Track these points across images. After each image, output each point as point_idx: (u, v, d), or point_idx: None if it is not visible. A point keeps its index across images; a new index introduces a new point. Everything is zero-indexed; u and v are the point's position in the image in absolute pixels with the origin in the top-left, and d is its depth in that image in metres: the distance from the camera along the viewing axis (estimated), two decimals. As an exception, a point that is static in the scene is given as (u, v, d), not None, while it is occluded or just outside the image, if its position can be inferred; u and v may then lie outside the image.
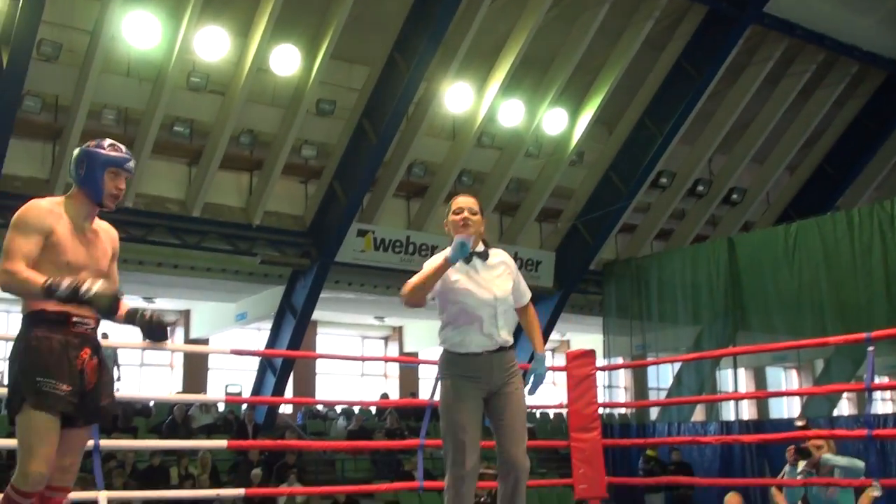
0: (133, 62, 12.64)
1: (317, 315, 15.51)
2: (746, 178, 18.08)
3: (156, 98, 12.33)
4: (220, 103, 13.03)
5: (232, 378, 16.08)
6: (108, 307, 3.05)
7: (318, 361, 18.00)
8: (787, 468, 5.82)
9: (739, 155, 17.41)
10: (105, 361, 3.22)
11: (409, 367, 18.99)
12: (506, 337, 3.81)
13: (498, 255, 3.94)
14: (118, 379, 13.74)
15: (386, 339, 19.79)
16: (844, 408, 18.27)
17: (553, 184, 15.87)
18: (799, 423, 6.54)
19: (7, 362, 3.13)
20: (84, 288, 2.99)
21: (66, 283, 2.98)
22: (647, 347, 15.80)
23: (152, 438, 12.28)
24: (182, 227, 13.33)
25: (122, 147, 3.34)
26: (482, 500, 6.33)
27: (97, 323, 3.22)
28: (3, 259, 3.02)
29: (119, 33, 11.77)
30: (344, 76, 14.22)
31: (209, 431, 13.17)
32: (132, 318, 3.32)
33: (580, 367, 6.61)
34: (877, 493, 5.28)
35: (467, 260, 3.81)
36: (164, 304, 16.48)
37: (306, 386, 17.46)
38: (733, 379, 15.18)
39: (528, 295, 3.99)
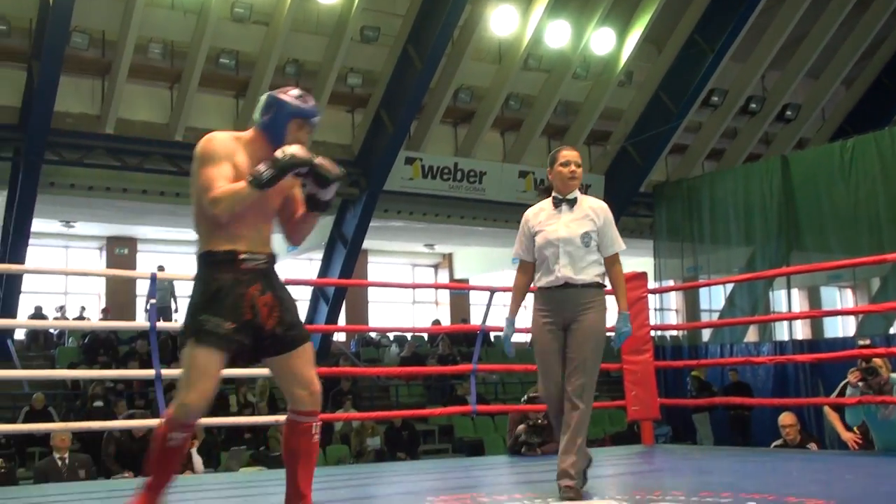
0: (176, -6, 12.63)
1: (367, 244, 15.62)
2: (801, 93, 17.63)
3: (201, 30, 12.32)
4: (265, 34, 12.98)
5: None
6: (307, 161, 3.03)
7: (370, 290, 18.18)
8: (849, 389, 5.76)
9: (793, 70, 16.94)
10: (283, 294, 3.20)
11: (459, 293, 19.10)
12: (568, 274, 3.99)
13: (587, 203, 4.13)
14: (175, 311, 14.07)
15: (436, 266, 19.90)
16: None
17: (601, 106, 15.63)
18: (862, 343, 6.47)
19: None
20: (280, 157, 2.99)
21: (262, 167, 2.99)
22: (698, 270, 15.67)
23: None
24: (231, 160, 13.39)
25: (311, 98, 3.27)
26: (539, 421, 6.40)
27: (270, 258, 3.20)
28: (205, 191, 3.03)
29: (161, -35, 11.73)
30: (387, 1, 14.05)
31: (265, 360, 13.43)
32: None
33: (632, 289, 6.57)
34: (934, 410, 5.22)
35: (557, 205, 4.09)
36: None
37: (359, 314, 17.68)
38: (787, 299, 15.01)
39: (616, 247, 4.09)
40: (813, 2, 15.70)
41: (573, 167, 4.14)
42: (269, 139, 3.16)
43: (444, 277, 19.65)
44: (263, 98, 3.22)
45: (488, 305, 6.36)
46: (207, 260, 3.14)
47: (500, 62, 14.91)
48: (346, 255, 14.36)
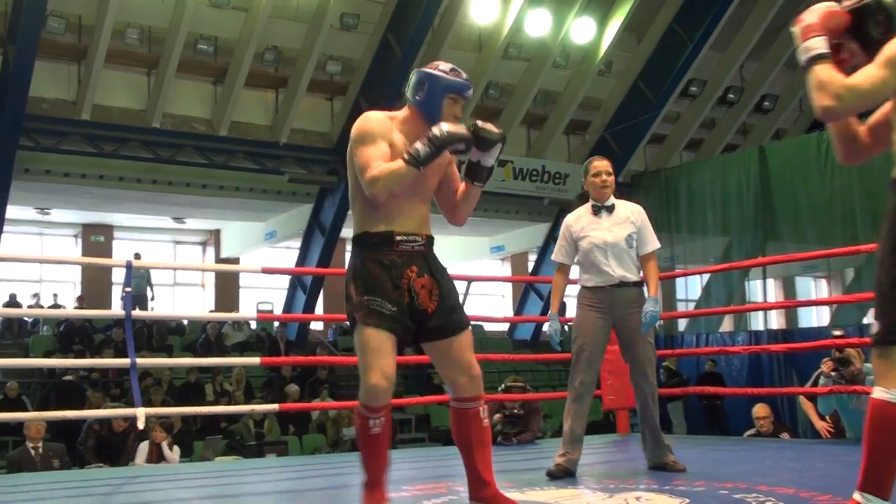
0: (154, -21, 12.52)
1: (346, 232, 15.57)
2: (779, 84, 17.73)
3: (179, 15, 12.22)
4: (244, 20, 12.90)
5: (263, 296, 16.29)
6: (465, 137, 2.95)
7: (349, 278, 18.14)
8: (822, 378, 5.82)
9: (772, 61, 17.03)
10: (442, 278, 3.12)
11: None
12: (622, 273, 4.37)
13: (625, 208, 4.50)
14: (152, 299, 14.00)
15: (415, 254, 19.87)
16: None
17: (581, 95, 15.65)
18: (836, 333, 6.52)
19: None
20: (437, 134, 2.91)
21: (418, 145, 2.92)
22: (675, 259, 15.72)
23: (187, 356, 12.54)
24: (209, 147, 13.34)
25: (462, 72, 3.19)
26: (515, 411, 6.42)
27: (428, 240, 3.12)
28: (362, 171, 2.95)
29: (138, -50, 11.62)
30: (367, -12, 14.00)
31: (242, 349, 13.41)
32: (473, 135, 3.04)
33: None
34: (905, 400, 5.27)
35: (596, 212, 4.44)
36: (194, 224, 16.61)
37: (337, 302, 17.62)
38: (762, 289, 15.12)
39: (653, 245, 4.47)
40: (791, -7, 15.79)
41: (604, 176, 4.43)
42: (425, 116, 3.10)
43: (422, 266, 19.62)
44: (414, 75, 3.17)
45: (465, 295, 6.37)
46: (363, 242, 3.08)
47: (480, 50, 14.88)
48: (325, 243, 14.33)
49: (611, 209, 4.44)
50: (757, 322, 15.02)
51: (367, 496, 3.03)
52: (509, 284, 19.35)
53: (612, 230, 4.39)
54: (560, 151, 16.74)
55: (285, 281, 15.46)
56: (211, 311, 15.64)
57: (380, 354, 2.95)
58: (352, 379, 13.87)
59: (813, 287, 22.33)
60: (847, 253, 6.83)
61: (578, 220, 4.47)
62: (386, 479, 3.07)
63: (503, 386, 6.73)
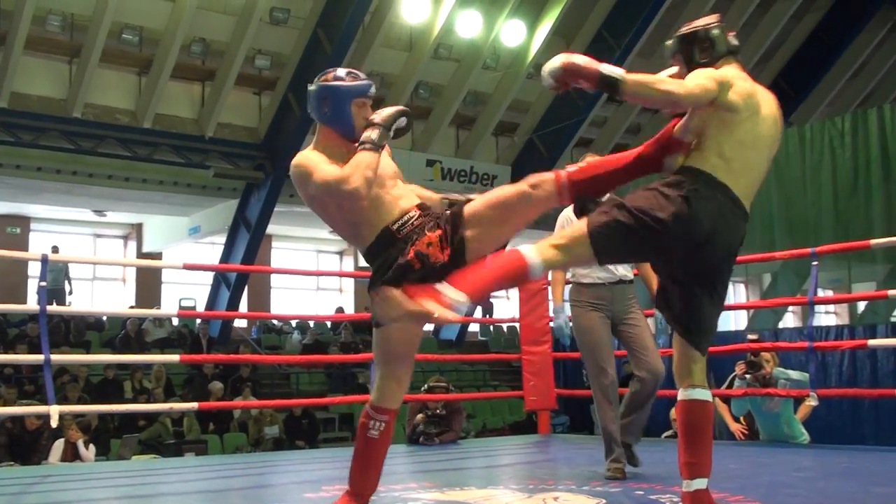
0: (77, -34, 12.21)
1: (271, 229, 15.44)
2: (703, 93, 18.11)
3: (103, 3, 11.93)
4: (171, 10, 12.66)
5: (186, 292, 16.02)
6: (402, 112, 3.05)
7: (273, 275, 17.97)
8: (736, 381, 5.97)
9: (696, 70, 17.37)
10: (450, 224, 2.98)
11: (364, 280, 19.04)
12: (623, 271, 4.43)
13: None
14: (70, 293, 13.66)
15: (341, 253, 19.78)
16: (790, 320, 18.72)
17: (510, 97, 15.77)
18: (751, 337, 6.68)
19: None
20: (380, 117, 3.00)
21: (367, 132, 2.96)
22: (600, 262, 15.97)
23: (105, 352, 12.26)
24: (132, 139, 13.07)
25: (360, 73, 3.14)
26: (437, 411, 6.43)
27: (420, 208, 3.01)
28: (331, 185, 2.87)
29: (61, -65, 11.32)
30: (298, -16, 13.88)
31: (163, 345, 13.17)
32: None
33: (532, 281, 6.67)
34: (814, 402, 5.45)
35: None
36: (116, 217, 16.26)
37: (261, 300, 17.46)
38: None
39: None
40: (716, 3, 16.14)
41: None
42: (339, 129, 3.05)
43: (349, 264, 19.55)
44: (313, 90, 3.09)
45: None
46: (373, 251, 2.97)
47: (410, 50, 14.88)
48: (250, 239, 14.16)
49: None
50: (677, 325, 15.28)
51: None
52: (436, 284, 19.36)
53: None
54: (489, 152, 16.84)
55: (209, 277, 15.23)
56: (131, 307, 15.32)
57: (399, 362, 2.97)
58: (275, 377, 13.74)
59: (732, 291, 22.87)
60: (763, 259, 7.02)
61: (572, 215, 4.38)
62: (369, 495, 2.99)
63: (426, 386, 6.74)
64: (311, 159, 2.99)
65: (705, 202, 2.72)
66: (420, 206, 3.04)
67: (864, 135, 11.95)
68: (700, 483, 2.77)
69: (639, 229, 2.75)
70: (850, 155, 12.06)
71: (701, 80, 2.76)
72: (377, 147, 2.91)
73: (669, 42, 3.10)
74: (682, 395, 2.87)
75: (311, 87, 3.11)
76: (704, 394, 2.85)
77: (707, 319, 2.90)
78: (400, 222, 2.96)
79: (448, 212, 3.02)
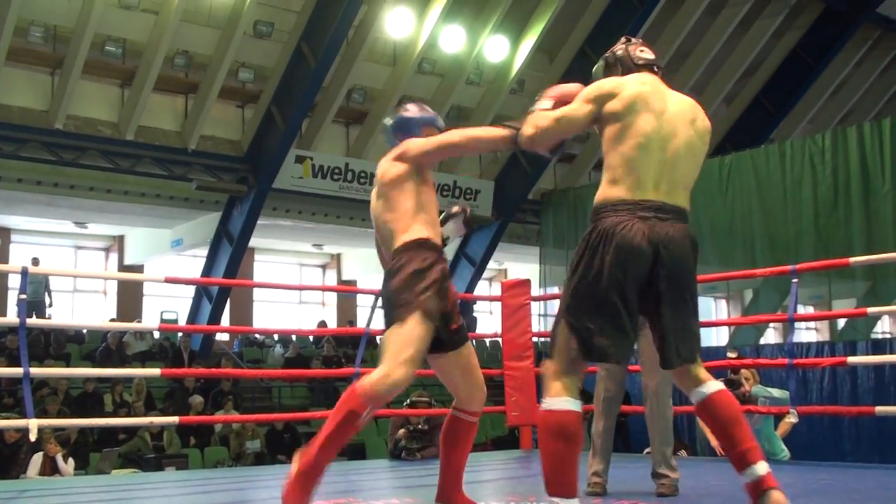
0: (61, -23, 12.18)
1: (254, 242, 15.39)
2: (684, 109, 18.23)
3: (86, 15, 11.90)
4: (154, 22, 12.64)
5: (167, 305, 15.94)
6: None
7: (256, 289, 17.92)
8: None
9: (678, 85, 17.19)
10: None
11: (346, 295, 19.02)
12: None
13: None
14: (49, 305, 13.56)
15: (324, 266, 19.75)
16: (771, 336, 18.83)
17: (493, 112, 15.82)
18: (731, 354, 6.72)
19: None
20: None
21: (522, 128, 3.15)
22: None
23: (85, 365, 12.18)
24: (115, 151, 13.02)
25: (426, 106, 3.58)
26: (419, 426, 6.42)
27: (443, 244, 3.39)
28: (459, 138, 3.31)
29: (45, -53, 11.29)
30: (282, -3, 13.90)
31: (144, 359, 13.09)
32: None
33: (515, 296, 6.69)
34: (794, 419, 5.48)
35: None
36: (97, 229, 16.18)
37: (243, 313, 17.40)
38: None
39: None
40: (699, 19, 16.28)
41: None
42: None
43: (331, 278, 19.52)
44: (388, 124, 3.50)
45: (373, 308, 6.36)
46: (413, 245, 3.19)
47: (394, 64, 14.92)
48: (232, 253, 14.10)
49: None
50: (659, 340, 15.32)
51: (300, 482, 2.88)
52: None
53: None
54: (472, 167, 16.88)
55: (191, 290, 15.16)
56: (112, 320, 15.22)
57: (419, 353, 3.03)
58: (257, 391, 13.68)
59: (713, 307, 22.96)
60: (744, 276, 7.06)
61: None
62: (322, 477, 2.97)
63: (408, 401, 6.73)
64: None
65: (606, 235, 2.77)
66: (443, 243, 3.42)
67: (844, 152, 12.07)
68: (764, 466, 2.72)
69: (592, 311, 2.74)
70: (831, 172, 12.17)
71: (568, 107, 2.94)
72: (515, 143, 3.18)
73: (594, 69, 3.30)
74: (699, 395, 2.82)
75: (387, 122, 3.55)
76: (718, 384, 2.84)
77: (689, 326, 2.85)
78: (437, 241, 3.32)
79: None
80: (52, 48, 12.55)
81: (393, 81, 14.73)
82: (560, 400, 2.67)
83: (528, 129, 2.98)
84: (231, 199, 14.12)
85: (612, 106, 2.85)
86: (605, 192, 2.84)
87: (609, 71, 3.15)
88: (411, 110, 3.47)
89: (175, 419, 6.43)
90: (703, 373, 2.85)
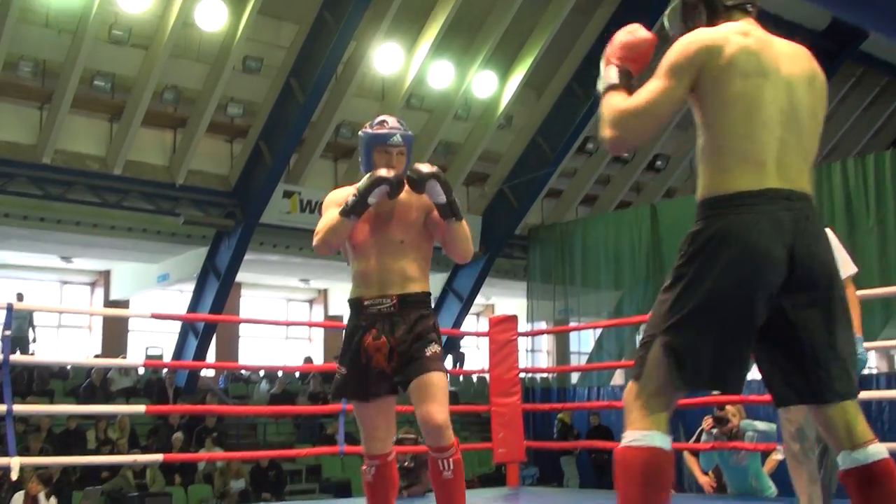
0: (52, 13, 12.21)
1: (241, 277, 15.33)
2: (670, 145, 18.36)
3: (75, 50, 11.94)
4: (143, 58, 12.69)
5: (153, 340, 15.84)
6: (382, 180, 3.19)
7: (242, 324, 17.83)
8: (704, 435, 5.98)
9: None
10: (406, 336, 3.23)
11: (333, 329, 18.95)
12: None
13: None
14: (33, 341, 13.45)
15: (311, 301, 19.68)
16: (757, 372, 18.83)
17: (481, 147, 15.89)
18: (715, 392, 6.68)
19: None
20: (359, 184, 3.20)
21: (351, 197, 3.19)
22: (569, 312, 16.00)
23: (69, 402, 12.06)
24: (102, 186, 13.00)
25: (388, 121, 3.42)
26: (405, 464, 6.36)
27: (401, 299, 3.27)
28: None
29: (35, -17, 11.35)
30: (272, 33, 13.96)
31: (128, 395, 12.98)
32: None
33: (502, 332, 6.67)
34: (780, 456, 5.46)
35: None
36: (83, 264, 16.10)
37: (229, 348, 17.30)
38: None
39: (847, 270, 3.76)
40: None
41: None
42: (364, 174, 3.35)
43: (318, 313, 19.44)
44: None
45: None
46: (349, 307, 3.36)
47: (382, 100, 14.99)
48: (219, 288, 14.04)
49: None
50: (647, 376, 15.31)
51: None
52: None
53: None
54: (460, 202, 16.86)
55: (177, 325, 15.07)
56: (97, 356, 15.11)
57: (358, 422, 3.35)
58: (242, 428, 13.57)
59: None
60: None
61: None
62: None
63: (394, 438, 6.67)
64: (329, 203, 3.39)
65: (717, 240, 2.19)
66: (402, 298, 3.26)
67: (829, 187, 12.17)
68: None
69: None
70: (816, 207, 12.24)
71: (651, 89, 2.27)
72: (348, 214, 3.18)
73: (668, 12, 2.58)
74: (855, 460, 2.17)
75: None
76: (883, 449, 2.19)
77: (846, 350, 2.23)
78: (373, 300, 3.27)
79: (431, 328, 3.28)
80: (41, 83, 12.56)
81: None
82: (647, 434, 2.15)
83: (606, 131, 2.28)
84: (218, 233, 14.09)
85: (711, 69, 2.22)
86: (715, 181, 2.22)
87: (689, 16, 2.45)
88: (367, 129, 3.42)
89: (159, 457, 6.37)
90: (862, 424, 2.20)
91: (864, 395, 7.53)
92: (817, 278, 2.18)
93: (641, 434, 2.15)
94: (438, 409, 3.12)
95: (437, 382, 3.15)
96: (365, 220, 3.23)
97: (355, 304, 3.29)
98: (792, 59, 2.33)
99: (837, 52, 17.66)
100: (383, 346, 3.18)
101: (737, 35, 2.26)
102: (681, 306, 2.16)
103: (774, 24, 2.11)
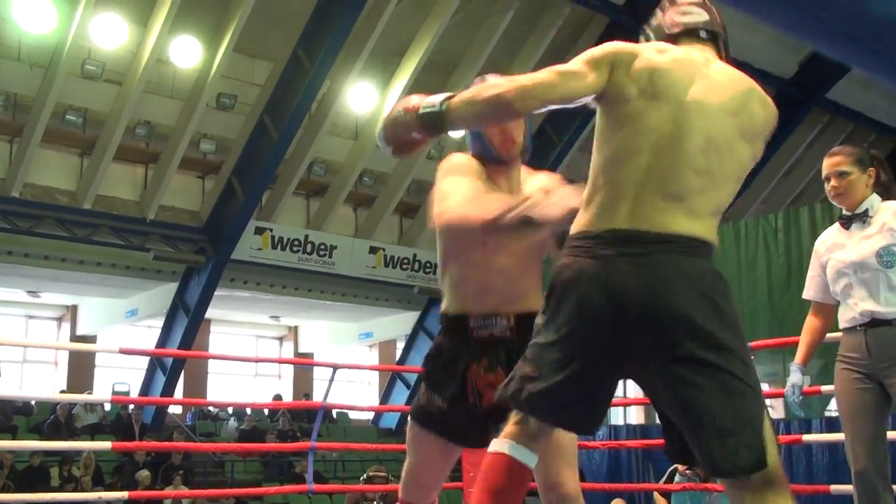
0: (25, 47, 12.19)
1: (210, 313, 15.23)
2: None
3: (48, 85, 11.91)
4: (116, 93, 12.67)
5: (120, 376, 15.65)
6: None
7: (211, 361, 17.68)
8: (677, 476, 5.99)
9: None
10: None
11: (303, 367, 18.83)
12: (870, 306, 3.12)
13: (888, 210, 3.19)
14: (-2, 375, 13.25)
15: (281, 338, 19.57)
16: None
17: (454, 187, 15.95)
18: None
19: None
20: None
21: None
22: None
23: (32, 438, 11.85)
24: (72, 220, 12.91)
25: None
26: (375, 502, 6.32)
27: (514, 322, 2.46)
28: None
29: (10, 16, 11.33)
30: (246, 71, 14.02)
31: (94, 431, 12.78)
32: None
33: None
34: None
35: (845, 225, 3.27)
36: (50, 298, 15.92)
37: (197, 385, 17.12)
38: (623, 384, 15.53)
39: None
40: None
41: (834, 182, 3.27)
42: (476, 151, 2.90)
43: (288, 350, 19.32)
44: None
45: (330, 381, 6.29)
46: (441, 322, 2.59)
47: (356, 138, 15.05)
48: (188, 324, 13.93)
49: (864, 217, 3.20)
50: (617, 417, 15.37)
51: None
52: (376, 372, 19.21)
53: (860, 245, 3.18)
54: (431, 241, 16.80)
55: (144, 361, 14.91)
56: (62, 391, 14.89)
57: (410, 453, 2.65)
58: (209, 465, 13.39)
59: (670, 383, 23.06)
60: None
61: (826, 239, 3.39)
62: None
63: (365, 476, 6.64)
64: (456, 165, 2.81)
65: (566, 281, 1.98)
66: (520, 319, 2.45)
67: (797, 232, 12.33)
68: None
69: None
70: (784, 251, 12.41)
71: (564, 65, 2.05)
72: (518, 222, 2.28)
73: None
74: None
75: None
76: None
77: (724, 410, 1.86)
78: (481, 322, 2.50)
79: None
80: (11, 116, 12.51)
81: (354, 155, 14.85)
82: (501, 442, 2.05)
83: (499, 86, 2.07)
84: (188, 269, 14.01)
85: (615, 80, 1.99)
86: (577, 219, 2.04)
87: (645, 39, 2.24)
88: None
89: (124, 494, 6.25)
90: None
91: (833, 437, 7.52)
92: (662, 333, 1.86)
93: (499, 442, 2.05)
94: (571, 475, 2.48)
95: (566, 436, 2.43)
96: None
97: (457, 322, 2.52)
98: (721, 86, 2.00)
99: (804, 99, 18.03)
100: (497, 382, 2.28)
101: (652, 52, 2.04)
102: (532, 343, 2.04)
103: (742, 70, 2.03)
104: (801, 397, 3.43)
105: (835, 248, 3.29)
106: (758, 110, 2.04)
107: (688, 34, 2.13)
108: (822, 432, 7.80)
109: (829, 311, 3.40)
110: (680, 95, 1.95)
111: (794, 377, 3.49)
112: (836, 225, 3.34)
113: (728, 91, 1.99)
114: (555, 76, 2.03)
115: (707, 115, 1.95)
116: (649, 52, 2.03)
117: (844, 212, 3.27)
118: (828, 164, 3.28)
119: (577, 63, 2.03)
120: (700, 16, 2.13)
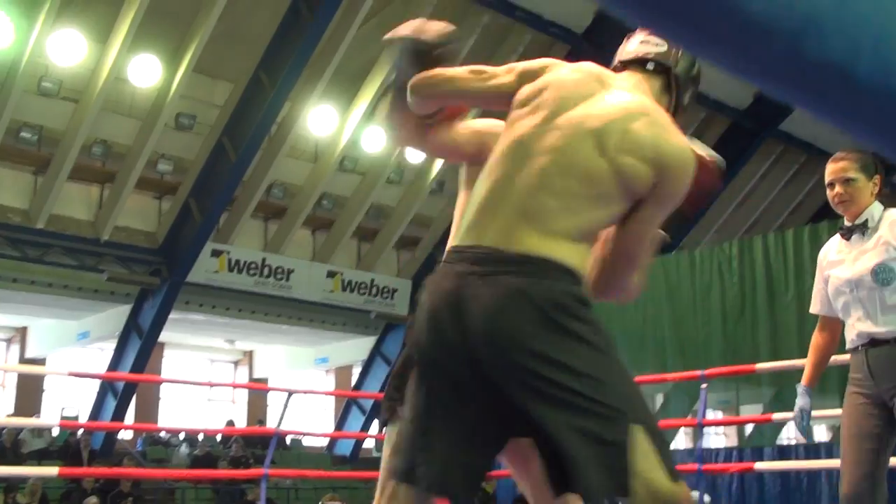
0: (-23, 63, 12.02)
1: (164, 336, 15.01)
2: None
3: (3, 101, 11.72)
4: (73, 111, 12.51)
5: (69, 400, 15.35)
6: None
7: (163, 385, 17.42)
8: None
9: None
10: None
11: (258, 392, 18.62)
12: (867, 326, 2.99)
13: (886, 224, 3.02)
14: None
15: (236, 362, 19.34)
16: (681, 442, 19.00)
17: (413, 211, 15.97)
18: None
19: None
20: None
21: None
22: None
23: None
24: (24, 239, 12.68)
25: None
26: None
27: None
28: None
29: (-37, 32, 11.16)
30: (206, 91, 13.92)
31: (41, 457, 12.49)
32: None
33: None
34: (705, 527, 5.48)
35: (846, 236, 3.12)
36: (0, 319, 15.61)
37: (149, 409, 16.83)
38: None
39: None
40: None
41: (839, 189, 3.07)
42: None
43: (243, 374, 19.10)
44: None
45: (285, 407, 6.22)
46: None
47: (315, 161, 15.00)
48: (141, 347, 13.71)
49: (864, 229, 3.04)
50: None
51: None
52: (331, 398, 19.04)
53: (858, 260, 3.03)
54: (390, 266, 16.90)
55: (95, 385, 14.64)
56: (9, 415, 14.55)
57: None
58: (159, 493, 13.14)
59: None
60: (655, 381, 7.15)
61: (828, 252, 3.19)
62: None
63: None
64: None
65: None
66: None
67: (751, 261, 12.49)
68: None
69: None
70: (738, 280, 12.56)
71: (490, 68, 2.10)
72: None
73: None
74: None
75: None
76: None
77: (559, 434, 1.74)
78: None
79: None
80: (-37, 133, 12.29)
81: (314, 178, 14.79)
82: None
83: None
84: (143, 291, 13.82)
85: (520, 89, 2.00)
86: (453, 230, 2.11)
87: None
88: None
89: (70, 521, 6.12)
90: None
91: (785, 464, 7.60)
92: (492, 353, 1.77)
93: None
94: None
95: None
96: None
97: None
98: (605, 112, 1.90)
99: (759, 130, 18.35)
100: None
101: (565, 69, 2.02)
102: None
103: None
104: (809, 422, 3.28)
105: (834, 264, 3.13)
106: (634, 127, 1.89)
107: (636, 63, 2.08)
108: (773, 459, 7.86)
109: (835, 327, 3.22)
110: (557, 113, 1.90)
111: (801, 401, 3.28)
112: (838, 236, 3.19)
113: (610, 116, 1.89)
114: (469, 72, 2.08)
115: (577, 137, 1.87)
116: (559, 69, 2.01)
117: (845, 222, 3.12)
118: (832, 170, 3.08)
119: (500, 67, 2.08)
120: (658, 48, 2.06)
